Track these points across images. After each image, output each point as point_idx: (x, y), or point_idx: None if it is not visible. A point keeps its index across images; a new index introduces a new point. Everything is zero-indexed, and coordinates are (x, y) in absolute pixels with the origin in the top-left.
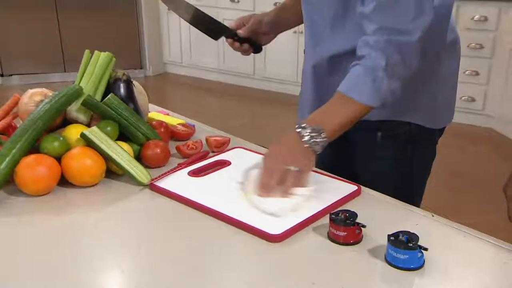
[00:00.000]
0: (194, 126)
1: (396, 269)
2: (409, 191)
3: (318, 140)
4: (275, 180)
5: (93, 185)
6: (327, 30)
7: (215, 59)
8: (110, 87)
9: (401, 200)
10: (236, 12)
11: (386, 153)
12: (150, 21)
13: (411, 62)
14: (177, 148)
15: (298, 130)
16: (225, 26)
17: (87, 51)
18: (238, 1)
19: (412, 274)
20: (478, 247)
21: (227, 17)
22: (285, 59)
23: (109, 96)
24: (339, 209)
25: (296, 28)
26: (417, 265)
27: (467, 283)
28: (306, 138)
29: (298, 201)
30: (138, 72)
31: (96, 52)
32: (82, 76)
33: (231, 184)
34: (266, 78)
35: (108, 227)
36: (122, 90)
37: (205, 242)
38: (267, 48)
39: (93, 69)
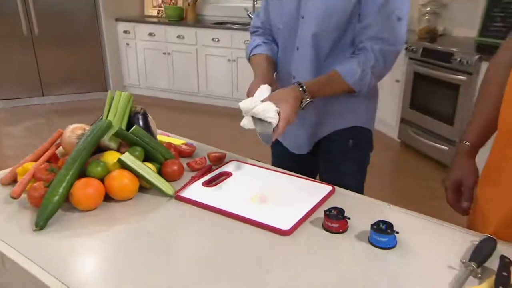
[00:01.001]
0: (192, 144)
1: (378, 249)
2: (362, 183)
3: (307, 103)
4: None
5: (130, 199)
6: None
7: (166, 80)
8: (131, 119)
9: (356, 191)
10: (181, 46)
11: (355, 155)
12: (112, 52)
13: (390, 66)
14: (188, 164)
15: (301, 91)
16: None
17: (110, 92)
18: (184, 37)
19: (389, 251)
20: (436, 228)
21: (175, 49)
22: (223, 80)
23: (134, 127)
24: (322, 206)
25: (230, 57)
26: (392, 245)
27: (430, 256)
28: (303, 103)
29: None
30: (103, 94)
31: (117, 92)
32: (108, 111)
33: (240, 191)
34: (208, 95)
35: (150, 231)
36: (140, 121)
37: (230, 238)
38: (208, 71)
39: (117, 106)
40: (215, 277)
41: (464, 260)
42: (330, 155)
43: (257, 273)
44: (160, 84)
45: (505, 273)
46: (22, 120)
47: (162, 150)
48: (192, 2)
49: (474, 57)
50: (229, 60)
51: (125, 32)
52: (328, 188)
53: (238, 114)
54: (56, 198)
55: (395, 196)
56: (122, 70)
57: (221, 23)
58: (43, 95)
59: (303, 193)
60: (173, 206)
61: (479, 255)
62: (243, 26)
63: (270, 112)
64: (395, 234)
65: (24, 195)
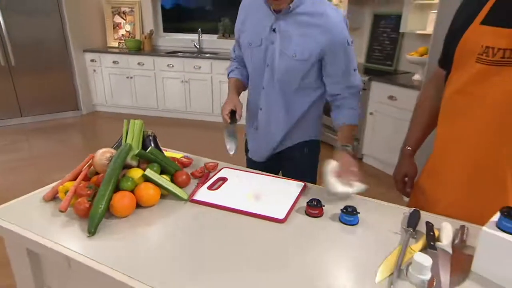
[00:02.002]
0: (189, 156)
1: (347, 226)
2: (316, 178)
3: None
4: (353, 169)
5: (154, 205)
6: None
7: (130, 99)
8: (144, 141)
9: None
10: (141, 71)
11: (310, 158)
12: (81, 77)
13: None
14: (192, 173)
15: (347, 148)
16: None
17: (125, 121)
18: (143, 64)
19: (354, 227)
20: (384, 208)
21: (136, 73)
22: (177, 97)
23: (150, 148)
24: (300, 198)
25: (183, 79)
26: (356, 222)
27: (382, 227)
28: (351, 151)
29: (357, 187)
30: (75, 112)
31: (131, 120)
32: (126, 136)
33: (238, 192)
34: (166, 110)
35: (176, 228)
36: (152, 142)
37: (239, 229)
38: (165, 91)
39: (133, 132)
40: (233, 259)
41: (405, 227)
42: (291, 160)
43: (266, 253)
44: (124, 102)
45: (431, 233)
46: (4, 138)
47: (172, 164)
48: (148, 36)
49: (365, 77)
50: (182, 81)
51: (92, 60)
52: (301, 184)
53: (191, 125)
54: (101, 209)
55: None
56: (90, 91)
57: (174, 52)
58: (21, 116)
59: (285, 189)
60: (189, 208)
61: (412, 222)
62: (192, 54)
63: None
64: (358, 214)
65: (69, 208)
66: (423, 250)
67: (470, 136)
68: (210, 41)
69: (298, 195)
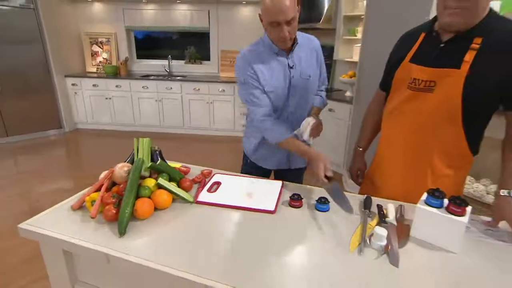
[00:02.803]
0: (186, 166)
1: (321, 212)
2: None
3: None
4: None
5: (167, 208)
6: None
7: (109, 117)
8: (152, 155)
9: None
10: (119, 92)
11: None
12: (63, 99)
13: None
14: (193, 180)
15: (318, 117)
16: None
17: (135, 139)
18: (120, 86)
19: (326, 213)
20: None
21: (115, 95)
22: (152, 114)
23: (160, 161)
24: (282, 194)
25: (156, 98)
26: (328, 209)
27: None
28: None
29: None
30: (58, 130)
31: (140, 139)
32: (137, 152)
33: (233, 192)
34: (142, 125)
35: (190, 225)
36: (158, 156)
37: (239, 221)
38: (141, 109)
39: (143, 148)
40: (239, 245)
41: (362, 209)
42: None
43: (263, 238)
44: (104, 120)
45: (382, 212)
46: None
47: (176, 173)
48: (124, 62)
49: None
50: (156, 100)
51: (73, 84)
52: (280, 182)
53: (165, 137)
54: (128, 213)
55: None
56: (72, 111)
57: (147, 76)
58: (7, 136)
59: (269, 187)
60: (195, 208)
61: (367, 206)
62: (164, 77)
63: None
64: (328, 203)
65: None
66: (377, 224)
67: (403, 139)
68: (179, 66)
69: (280, 191)
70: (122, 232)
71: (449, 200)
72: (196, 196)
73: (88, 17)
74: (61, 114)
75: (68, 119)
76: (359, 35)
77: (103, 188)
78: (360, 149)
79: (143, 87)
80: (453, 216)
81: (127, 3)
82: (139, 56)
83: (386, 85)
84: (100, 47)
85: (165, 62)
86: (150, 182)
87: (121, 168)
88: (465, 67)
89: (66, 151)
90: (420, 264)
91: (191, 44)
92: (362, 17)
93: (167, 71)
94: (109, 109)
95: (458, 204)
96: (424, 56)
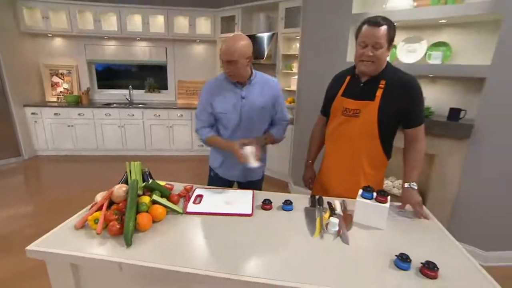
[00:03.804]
0: (171, 183)
1: (287, 211)
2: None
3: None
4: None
5: (162, 219)
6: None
7: (71, 143)
8: (143, 175)
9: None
10: (82, 120)
11: (263, 179)
12: (22, 128)
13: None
14: (178, 194)
15: (265, 140)
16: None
17: (127, 163)
18: (83, 114)
19: (290, 212)
20: (303, 198)
21: (77, 122)
22: (115, 139)
23: (152, 181)
24: (255, 200)
25: (119, 124)
26: (291, 209)
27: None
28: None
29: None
30: (17, 158)
31: (132, 162)
32: (130, 174)
33: (215, 202)
34: (105, 149)
35: (184, 232)
36: (148, 177)
37: (224, 225)
38: (104, 134)
39: (135, 170)
40: (227, 244)
41: (318, 206)
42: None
43: (246, 236)
44: (66, 146)
45: (331, 207)
46: None
47: (165, 190)
48: (85, 91)
49: None
50: (118, 126)
51: (33, 113)
52: (251, 191)
53: (128, 159)
54: (131, 227)
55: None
56: (32, 139)
57: (109, 104)
58: None
59: (243, 196)
60: (186, 218)
61: (320, 203)
62: (125, 105)
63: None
64: (292, 204)
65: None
66: (330, 216)
67: (341, 151)
68: (139, 94)
69: (252, 198)
70: (129, 243)
71: (377, 193)
72: (185, 208)
73: (48, 51)
74: (19, 142)
75: (27, 147)
76: (294, 70)
77: (104, 207)
78: (310, 161)
79: (106, 114)
80: (380, 204)
81: (89, 39)
82: (100, 86)
83: (325, 111)
84: (61, 78)
85: (125, 91)
86: (146, 199)
87: (120, 189)
88: (377, 100)
89: (25, 177)
90: (362, 240)
91: (150, 75)
92: (296, 55)
93: (128, 99)
94: (71, 136)
95: (382, 195)
96: (351, 92)
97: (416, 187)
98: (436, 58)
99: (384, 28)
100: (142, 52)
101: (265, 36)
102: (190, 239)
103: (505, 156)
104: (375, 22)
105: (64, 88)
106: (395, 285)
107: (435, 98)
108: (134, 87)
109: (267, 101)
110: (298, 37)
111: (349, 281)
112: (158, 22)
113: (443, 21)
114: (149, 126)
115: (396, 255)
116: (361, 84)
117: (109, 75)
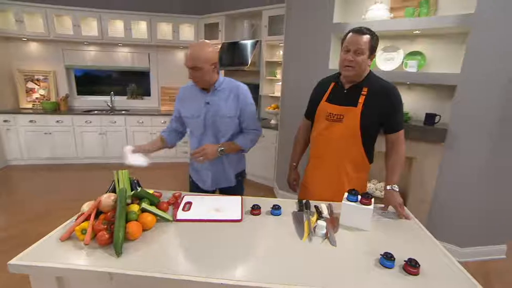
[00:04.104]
0: (159, 191)
1: (276, 216)
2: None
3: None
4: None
5: (152, 227)
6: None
7: (48, 151)
8: (131, 184)
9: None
10: (60, 127)
11: (239, 185)
12: None
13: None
14: (167, 202)
15: (221, 149)
16: None
17: (115, 172)
18: (62, 121)
19: (279, 217)
20: (289, 203)
21: (55, 129)
22: (96, 147)
23: (140, 189)
24: (244, 205)
25: (100, 131)
26: (280, 214)
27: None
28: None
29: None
30: None
31: (119, 171)
32: (118, 183)
33: (204, 209)
34: (85, 157)
35: (175, 239)
36: (136, 185)
37: (214, 231)
38: (84, 142)
39: (123, 178)
40: (217, 248)
41: (305, 210)
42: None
43: (236, 240)
44: (43, 155)
45: (319, 210)
46: None
47: (154, 198)
48: (64, 98)
49: None
50: (100, 133)
51: (5, 121)
52: (239, 197)
53: (110, 167)
54: (121, 236)
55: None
56: (4, 149)
57: (90, 111)
58: None
59: (232, 202)
60: (175, 225)
61: (308, 207)
62: (106, 112)
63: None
64: (281, 208)
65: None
66: (317, 219)
67: (325, 155)
68: (121, 101)
69: (241, 203)
70: (119, 252)
71: (361, 196)
72: (175, 215)
73: (22, 55)
74: None
75: None
76: (278, 76)
77: (92, 217)
78: (294, 164)
79: (86, 121)
80: (365, 206)
81: (68, 44)
82: (80, 92)
83: (310, 115)
84: (37, 84)
85: (107, 97)
86: (135, 208)
87: (108, 198)
88: (360, 106)
89: None
90: (349, 241)
91: (132, 81)
92: (280, 62)
93: (109, 106)
94: (48, 144)
95: (366, 197)
96: (334, 97)
97: (397, 189)
98: (412, 66)
99: (366, 36)
100: (124, 58)
101: (248, 43)
102: (181, 246)
103: (476, 158)
104: (359, 30)
105: (40, 94)
106: (381, 283)
107: (412, 104)
108: (116, 94)
109: (233, 108)
110: (281, 45)
111: (338, 281)
112: (141, 28)
113: (417, 32)
114: (132, 133)
115: (381, 254)
116: (345, 91)
117: (89, 81)
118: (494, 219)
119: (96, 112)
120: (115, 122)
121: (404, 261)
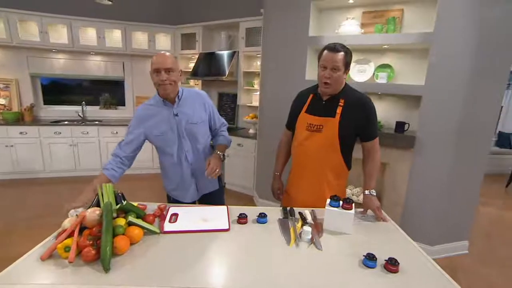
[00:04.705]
0: (141, 204)
1: (262, 224)
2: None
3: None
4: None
5: (139, 241)
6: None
7: (10, 166)
8: (116, 197)
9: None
10: (24, 139)
11: (221, 189)
12: None
13: None
14: (153, 214)
15: (221, 154)
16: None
17: (98, 185)
18: (26, 133)
19: (265, 225)
20: (275, 210)
21: (18, 142)
22: (66, 159)
23: (126, 203)
24: (230, 215)
25: (71, 143)
26: (266, 222)
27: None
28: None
29: None
30: None
31: (103, 185)
32: (102, 197)
33: (191, 220)
34: (54, 171)
35: (163, 251)
36: (121, 199)
37: (202, 241)
38: (52, 155)
39: (107, 192)
40: (208, 260)
41: (290, 217)
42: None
43: (225, 249)
44: (3, 169)
45: (303, 216)
46: None
47: (140, 211)
48: (29, 108)
49: None
50: (70, 145)
51: None
52: (225, 207)
53: (82, 180)
54: (108, 251)
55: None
56: None
57: (58, 121)
58: None
59: (218, 212)
60: (163, 237)
61: (292, 214)
62: (77, 122)
63: None
64: (266, 216)
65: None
66: (302, 225)
67: (307, 163)
68: (93, 111)
69: (227, 213)
70: (107, 268)
71: (343, 201)
72: (162, 227)
73: None
74: None
75: None
76: (256, 86)
77: (75, 233)
78: (277, 173)
79: (55, 132)
80: (346, 211)
81: (33, 51)
82: (47, 102)
83: (291, 125)
84: None
85: (77, 107)
86: (121, 221)
87: (93, 212)
88: (337, 116)
89: None
90: (333, 245)
91: (105, 91)
92: (257, 73)
93: (80, 116)
94: (10, 157)
95: (347, 202)
96: (314, 109)
97: (375, 194)
98: (382, 78)
99: (341, 54)
100: (97, 67)
101: (225, 53)
102: (171, 258)
103: (440, 162)
104: (334, 48)
105: (0, 104)
106: (365, 283)
107: (384, 112)
108: (87, 103)
109: (202, 112)
110: (258, 55)
111: (325, 283)
112: (115, 37)
113: (386, 46)
114: (106, 144)
115: (364, 255)
116: (323, 102)
117: (58, 90)
118: (457, 218)
119: (66, 122)
120: (87, 133)
121: (385, 260)
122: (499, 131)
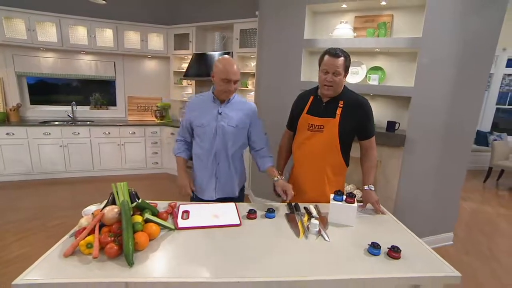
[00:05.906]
0: (155, 202)
1: (271, 219)
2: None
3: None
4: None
5: (157, 237)
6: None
7: None
8: (130, 195)
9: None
10: (11, 140)
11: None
12: None
13: None
14: (165, 212)
15: (276, 179)
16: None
17: (113, 184)
18: (13, 134)
19: (273, 220)
20: (281, 206)
21: (5, 143)
22: (56, 160)
23: (141, 200)
24: (239, 211)
25: (61, 144)
26: (274, 217)
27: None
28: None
29: None
30: None
31: (118, 184)
32: (117, 195)
33: (202, 216)
34: (43, 172)
35: (179, 247)
36: (135, 196)
37: (216, 236)
38: (42, 156)
39: (122, 190)
40: (222, 251)
41: (296, 211)
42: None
43: (239, 244)
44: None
45: (309, 211)
46: None
47: (154, 208)
48: (15, 108)
49: None
50: (60, 146)
51: None
52: (233, 204)
53: (73, 181)
54: (131, 247)
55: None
56: None
57: (47, 122)
58: None
59: (228, 208)
60: (178, 233)
61: (298, 209)
62: (67, 123)
63: None
64: (275, 211)
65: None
66: (309, 219)
67: (308, 162)
68: (83, 111)
69: (237, 209)
70: (131, 263)
71: (346, 196)
72: (176, 224)
73: None
74: None
75: None
76: (250, 87)
77: (96, 231)
78: (280, 171)
79: (44, 133)
80: (349, 204)
81: (20, 49)
82: (34, 102)
83: (292, 126)
84: None
85: (67, 107)
86: (139, 218)
87: (112, 210)
88: (337, 117)
89: None
90: (339, 236)
91: (96, 91)
92: (251, 73)
93: (70, 116)
94: None
95: (350, 196)
96: (314, 110)
97: (373, 188)
98: (374, 80)
99: (341, 59)
100: (87, 66)
101: (218, 54)
102: (189, 252)
103: (428, 159)
104: (335, 53)
105: None
106: (372, 268)
107: (376, 113)
108: (77, 103)
109: (243, 119)
110: (252, 56)
111: (335, 270)
112: (106, 36)
113: (377, 49)
114: (97, 145)
115: (368, 244)
116: (323, 104)
117: (45, 90)
118: (443, 211)
119: (56, 123)
120: (78, 133)
121: (388, 248)
122: (477, 130)
